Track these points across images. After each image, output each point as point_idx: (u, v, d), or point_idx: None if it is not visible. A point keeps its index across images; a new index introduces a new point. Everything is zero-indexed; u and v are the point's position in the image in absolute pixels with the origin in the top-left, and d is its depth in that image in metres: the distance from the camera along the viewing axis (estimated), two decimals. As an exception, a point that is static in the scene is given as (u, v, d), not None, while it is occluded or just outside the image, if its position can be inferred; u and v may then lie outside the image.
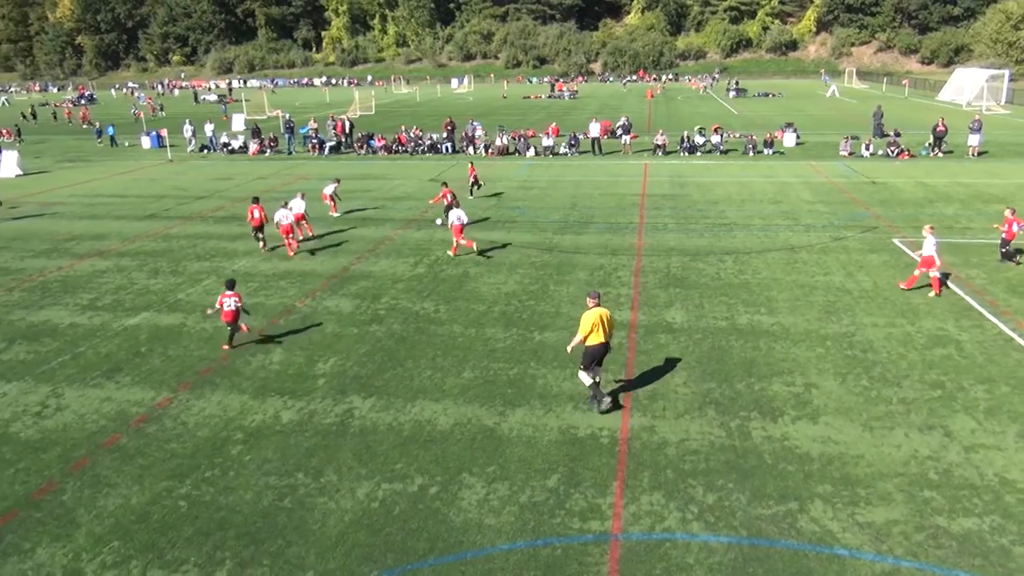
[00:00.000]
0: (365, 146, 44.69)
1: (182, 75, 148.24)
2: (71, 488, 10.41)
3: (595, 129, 41.98)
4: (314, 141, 45.32)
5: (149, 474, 10.69)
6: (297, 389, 13.30)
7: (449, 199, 23.62)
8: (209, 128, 48.53)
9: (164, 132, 48.20)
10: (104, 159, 45.20)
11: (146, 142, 50.00)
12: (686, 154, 40.38)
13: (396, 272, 20.16)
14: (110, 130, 51.58)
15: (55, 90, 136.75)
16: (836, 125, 52.76)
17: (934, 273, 17.24)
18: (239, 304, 14.86)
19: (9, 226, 27.15)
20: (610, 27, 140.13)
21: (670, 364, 13.91)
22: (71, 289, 19.43)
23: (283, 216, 21.95)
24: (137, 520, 9.65)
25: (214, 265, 21.29)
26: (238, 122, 58.19)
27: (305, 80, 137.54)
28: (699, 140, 41.63)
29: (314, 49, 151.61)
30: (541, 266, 20.34)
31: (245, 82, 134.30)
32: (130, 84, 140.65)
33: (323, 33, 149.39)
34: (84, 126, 66.60)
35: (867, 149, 38.97)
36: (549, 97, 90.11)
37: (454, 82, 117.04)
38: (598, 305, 12.03)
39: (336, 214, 27.03)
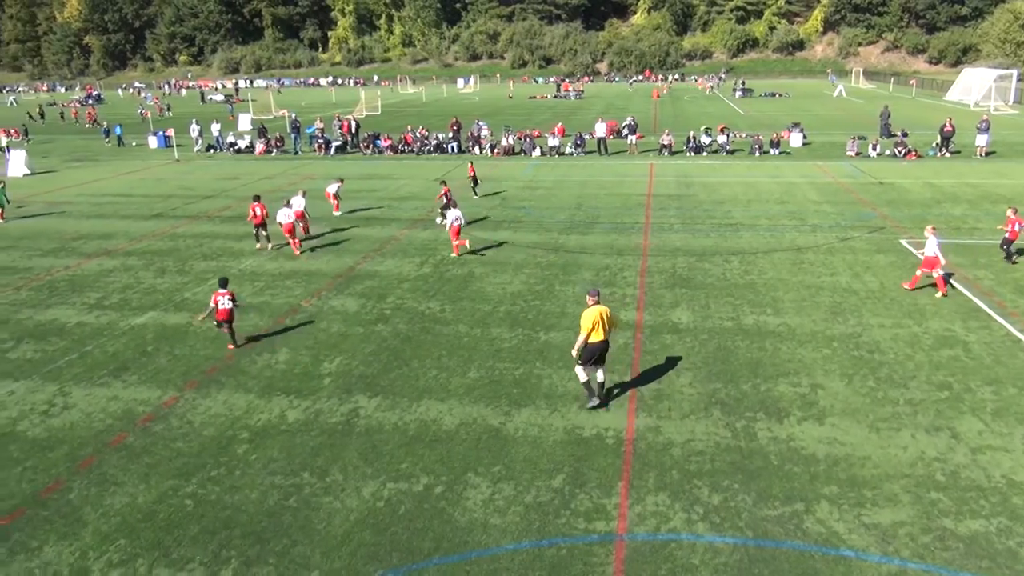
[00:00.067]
0: (371, 146, 44.75)
1: (189, 75, 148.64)
2: (78, 486, 10.45)
3: (601, 129, 41.93)
4: (320, 141, 45.39)
5: (155, 473, 10.72)
6: (303, 388, 13.33)
7: (447, 198, 23.60)
8: (216, 128, 48.63)
9: (171, 132, 48.35)
10: (111, 159, 45.37)
11: (153, 142, 50.17)
12: (692, 154, 40.32)
13: (402, 272, 20.18)
14: (117, 130, 51.80)
15: (63, 90, 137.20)
16: (843, 125, 52.60)
17: (937, 273, 17.20)
18: (233, 302, 14.92)
19: (17, 225, 27.28)
20: (616, 27, 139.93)
21: (676, 364, 13.89)
22: (78, 288, 19.51)
23: (285, 215, 22.07)
24: (143, 519, 9.68)
25: (220, 264, 21.34)
26: (244, 122, 58.31)
27: (311, 80, 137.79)
28: (705, 140, 41.56)
29: (320, 49, 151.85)
30: (547, 266, 20.33)
31: (251, 82, 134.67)
32: (136, 84, 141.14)
33: (329, 33, 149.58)
34: (88, 125, 66.87)
35: (874, 149, 38.84)
36: (555, 97, 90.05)
37: (460, 82, 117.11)
38: (597, 303, 12.06)
39: (338, 213, 27.11)
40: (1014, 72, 70.10)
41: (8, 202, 28.58)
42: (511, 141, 43.11)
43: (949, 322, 15.67)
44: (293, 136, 45.94)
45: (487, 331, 15.75)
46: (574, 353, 12.08)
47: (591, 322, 11.80)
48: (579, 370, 12.20)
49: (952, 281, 18.09)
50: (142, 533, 9.40)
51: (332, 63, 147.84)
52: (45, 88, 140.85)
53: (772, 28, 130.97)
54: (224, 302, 14.72)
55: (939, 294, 17.14)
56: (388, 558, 8.85)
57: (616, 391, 12.85)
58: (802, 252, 21.09)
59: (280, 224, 22.12)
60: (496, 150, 42.78)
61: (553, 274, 19.58)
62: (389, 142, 44.63)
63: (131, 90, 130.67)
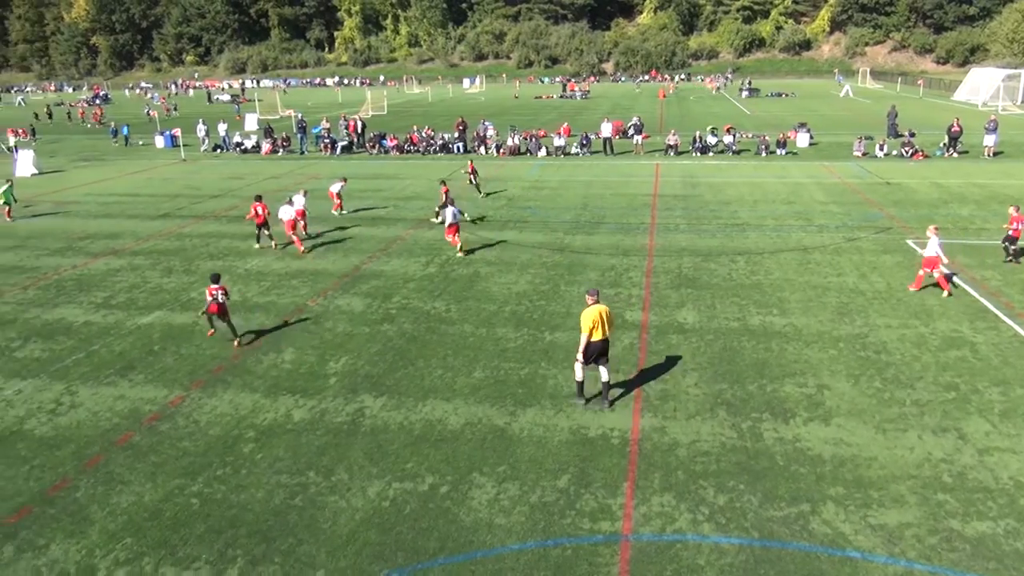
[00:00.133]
0: (377, 146, 44.81)
1: (196, 75, 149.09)
2: (85, 485, 10.49)
3: (607, 129, 41.90)
4: (326, 141, 45.48)
5: (162, 472, 10.76)
6: (309, 388, 13.35)
7: (444, 198, 23.57)
8: (222, 128, 48.79)
9: (178, 132, 48.51)
10: (118, 158, 45.53)
11: (160, 142, 50.32)
12: (698, 154, 40.24)
13: (407, 271, 20.19)
14: (125, 130, 51.99)
15: (70, 90, 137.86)
16: (850, 125, 52.45)
17: (938, 273, 17.20)
18: (225, 297, 15.05)
19: (24, 224, 27.40)
20: (622, 27, 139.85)
21: (681, 365, 13.87)
22: (85, 287, 19.59)
23: (286, 212, 22.38)
24: (150, 517, 9.71)
25: (227, 264, 21.39)
26: (251, 122, 58.45)
27: (317, 80, 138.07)
28: (711, 140, 41.48)
29: (327, 49, 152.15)
30: (552, 266, 20.32)
31: (258, 82, 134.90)
32: (143, 84, 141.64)
33: (336, 33, 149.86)
34: (88, 125, 67.11)
35: (881, 149, 38.71)
36: (561, 97, 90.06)
37: (466, 82, 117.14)
38: (597, 302, 12.08)
39: (337, 212, 27.18)
40: (1022, 72, 69.76)
41: (16, 201, 28.72)
42: (517, 141, 43.12)
43: (956, 323, 15.60)
44: (299, 136, 46.03)
45: (492, 331, 15.76)
46: (580, 356, 12.06)
47: (591, 321, 11.86)
48: (578, 368, 12.26)
49: (960, 282, 18.04)
50: (148, 532, 9.42)
51: (338, 63, 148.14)
52: (53, 88, 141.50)
53: (779, 28, 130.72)
54: (215, 297, 14.89)
55: (944, 293, 17.09)
56: (393, 557, 8.85)
57: (622, 391, 12.83)
58: (808, 252, 21.03)
59: (282, 221, 22.40)
60: (502, 150, 42.80)
61: (559, 274, 19.57)
62: (395, 142, 44.68)
63: (138, 90, 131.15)
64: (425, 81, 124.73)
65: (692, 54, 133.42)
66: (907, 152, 37.87)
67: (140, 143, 51.95)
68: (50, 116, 74.46)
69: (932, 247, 17.14)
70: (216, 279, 15.07)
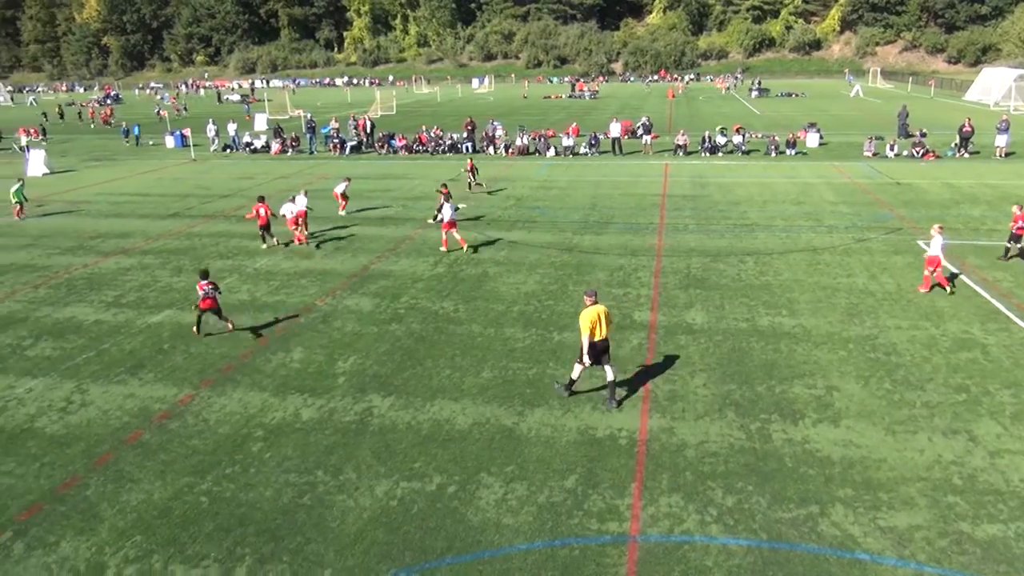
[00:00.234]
0: (386, 146, 44.89)
1: (206, 75, 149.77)
2: (95, 483, 10.55)
3: (615, 129, 41.83)
4: (335, 141, 45.59)
5: (171, 470, 10.81)
6: (317, 387, 13.38)
7: (443, 198, 23.49)
8: (232, 128, 48.98)
9: (188, 132, 48.71)
10: (129, 158, 45.77)
11: (170, 142, 50.57)
12: (707, 154, 40.15)
13: (416, 271, 20.22)
14: (136, 130, 52.27)
15: (81, 90, 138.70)
16: (860, 125, 52.20)
17: (939, 272, 17.17)
18: (215, 293, 15.34)
19: (36, 223, 27.58)
20: (631, 27, 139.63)
21: (690, 366, 13.84)
22: (96, 286, 19.70)
23: (288, 209, 22.92)
24: (159, 515, 9.76)
25: (236, 263, 21.48)
26: (260, 122, 58.67)
27: (327, 80, 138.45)
28: (721, 140, 41.37)
29: (336, 49, 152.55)
30: (561, 266, 20.31)
31: (267, 82, 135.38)
32: (154, 84, 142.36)
33: (345, 33, 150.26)
34: (92, 125, 67.45)
35: (892, 150, 38.51)
36: (570, 97, 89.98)
37: (475, 82, 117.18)
38: (595, 303, 12.09)
39: (343, 212, 27.24)
40: (1034, 72, 69.27)
41: (26, 200, 28.90)
42: (525, 141, 43.11)
43: (967, 324, 15.51)
44: (308, 136, 46.15)
45: (500, 331, 15.76)
46: (586, 360, 12.03)
47: (591, 322, 11.88)
48: (577, 369, 12.30)
49: (971, 283, 17.94)
50: (158, 529, 9.47)
51: (347, 63, 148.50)
52: (64, 88, 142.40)
53: (789, 28, 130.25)
54: (205, 292, 15.15)
55: (948, 292, 17.08)
56: (401, 557, 8.87)
57: (630, 391, 12.82)
58: (818, 253, 20.95)
59: (284, 217, 22.96)
60: (511, 150, 42.78)
61: (567, 274, 19.55)
62: (404, 142, 44.75)
63: (148, 90, 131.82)
64: (434, 81, 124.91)
65: (701, 54, 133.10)
66: (918, 152, 37.66)
67: (151, 143, 52.22)
68: (61, 116, 74.92)
69: (935, 246, 17.11)
70: (205, 275, 15.34)
